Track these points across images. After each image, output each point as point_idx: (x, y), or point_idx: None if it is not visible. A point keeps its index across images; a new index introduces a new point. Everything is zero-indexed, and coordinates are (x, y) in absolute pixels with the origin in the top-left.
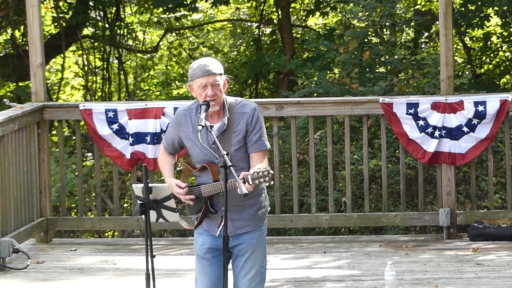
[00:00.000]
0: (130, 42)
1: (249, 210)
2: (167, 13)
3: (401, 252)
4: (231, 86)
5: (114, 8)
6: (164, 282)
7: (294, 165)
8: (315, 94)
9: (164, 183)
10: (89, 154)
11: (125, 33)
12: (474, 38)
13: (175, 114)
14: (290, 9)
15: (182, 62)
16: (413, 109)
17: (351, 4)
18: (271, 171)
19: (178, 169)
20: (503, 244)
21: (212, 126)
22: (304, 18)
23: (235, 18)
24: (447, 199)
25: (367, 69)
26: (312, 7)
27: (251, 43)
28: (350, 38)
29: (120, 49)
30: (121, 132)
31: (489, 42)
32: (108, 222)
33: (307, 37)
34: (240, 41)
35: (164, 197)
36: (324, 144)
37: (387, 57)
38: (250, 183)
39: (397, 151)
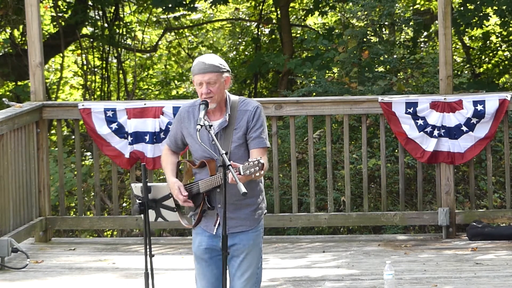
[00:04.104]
0: (129, 41)
1: (245, 210)
2: (166, 13)
3: (400, 251)
4: (230, 86)
5: (113, 8)
6: (163, 282)
7: (293, 164)
8: (314, 94)
9: (163, 183)
10: (88, 153)
11: (124, 33)
12: (473, 38)
13: (179, 111)
14: (289, 9)
15: (181, 61)
16: (412, 109)
17: (350, 4)
18: (262, 161)
19: (179, 167)
20: (502, 244)
21: (211, 125)
22: (303, 17)
23: (234, 17)
24: (446, 198)
25: (366, 69)
26: (311, 7)
27: (250, 42)
28: (349, 37)
29: (119, 49)
30: (120, 132)
31: (488, 42)
32: (107, 221)
33: (306, 37)
34: (239, 40)
35: (163, 197)
36: (323, 144)
37: (386, 56)
38: (242, 173)
39: (396, 151)
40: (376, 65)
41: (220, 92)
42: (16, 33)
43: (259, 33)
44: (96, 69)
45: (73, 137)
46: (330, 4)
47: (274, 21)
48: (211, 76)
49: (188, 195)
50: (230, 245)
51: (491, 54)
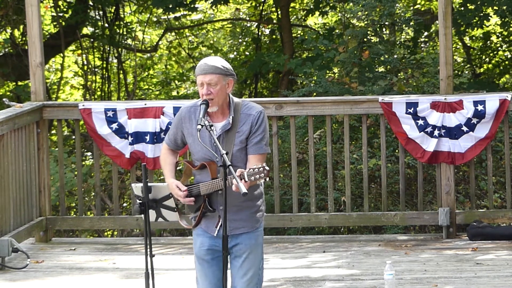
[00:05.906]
0: (129, 41)
1: (246, 211)
2: (167, 13)
3: (400, 251)
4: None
5: (114, 8)
6: (163, 282)
7: (294, 164)
8: (314, 94)
9: (163, 183)
10: (89, 153)
11: (125, 33)
12: (473, 38)
13: (180, 110)
14: (290, 9)
15: (181, 61)
16: (412, 109)
17: (351, 4)
18: (267, 168)
19: (178, 168)
20: (502, 244)
21: (212, 125)
22: (303, 17)
23: (234, 18)
24: (447, 198)
25: (367, 69)
26: (311, 7)
27: (251, 42)
28: (349, 37)
29: (120, 49)
30: (120, 132)
31: (488, 42)
32: (107, 221)
33: (306, 37)
34: (240, 40)
35: (163, 197)
36: (324, 144)
37: (386, 56)
38: (246, 179)
39: (397, 151)
40: (377, 65)
41: (221, 94)
42: (17, 33)
43: (260, 33)
44: (96, 69)
45: (74, 137)
46: (331, 4)
47: (274, 21)
48: (211, 78)
49: (188, 196)
50: (232, 246)
51: (491, 54)
